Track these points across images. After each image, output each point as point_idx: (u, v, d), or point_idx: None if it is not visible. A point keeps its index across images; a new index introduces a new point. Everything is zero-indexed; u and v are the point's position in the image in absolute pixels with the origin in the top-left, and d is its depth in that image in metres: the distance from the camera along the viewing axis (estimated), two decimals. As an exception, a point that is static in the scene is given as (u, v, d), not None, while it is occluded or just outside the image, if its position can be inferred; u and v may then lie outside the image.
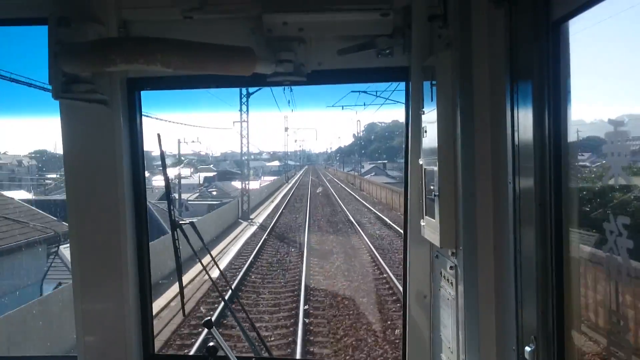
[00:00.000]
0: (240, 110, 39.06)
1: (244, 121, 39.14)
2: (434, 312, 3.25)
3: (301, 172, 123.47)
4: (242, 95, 38.78)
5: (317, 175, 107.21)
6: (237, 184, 70.84)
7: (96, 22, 3.11)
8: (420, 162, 3.16)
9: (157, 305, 16.62)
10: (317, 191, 65.32)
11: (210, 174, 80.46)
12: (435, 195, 2.88)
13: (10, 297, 18.43)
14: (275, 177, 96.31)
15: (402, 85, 3.39)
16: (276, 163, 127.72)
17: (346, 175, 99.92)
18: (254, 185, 71.42)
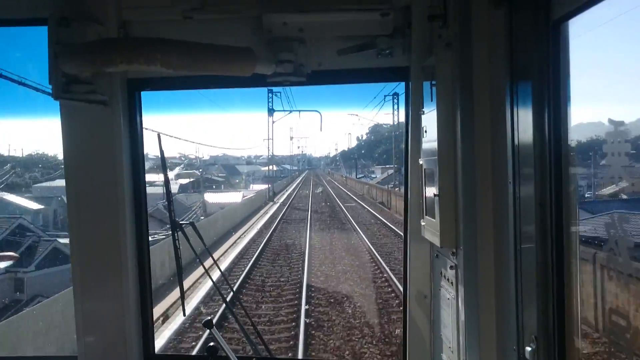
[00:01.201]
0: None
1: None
2: (434, 312, 3.25)
3: (300, 179, 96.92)
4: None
5: (321, 185, 74.26)
6: (210, 196, 52.06)
7: (96, 23, 3.11)
8: (421, 162, 3.16)
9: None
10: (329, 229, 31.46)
11: (186, 181, 65.12)
12: (435, 195, 2.88)
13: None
14: (268, 186, 68.53)
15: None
16: (273, 168, 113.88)
17: (368, 187, 63.63)
18: (222, 198, 51.59)
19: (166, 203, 3.71)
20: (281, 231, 32.02)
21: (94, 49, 2.90)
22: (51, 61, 2.97)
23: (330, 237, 29.44)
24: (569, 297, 2.19)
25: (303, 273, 20.12)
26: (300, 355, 12.80)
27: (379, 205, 46.75)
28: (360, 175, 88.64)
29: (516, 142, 2.39)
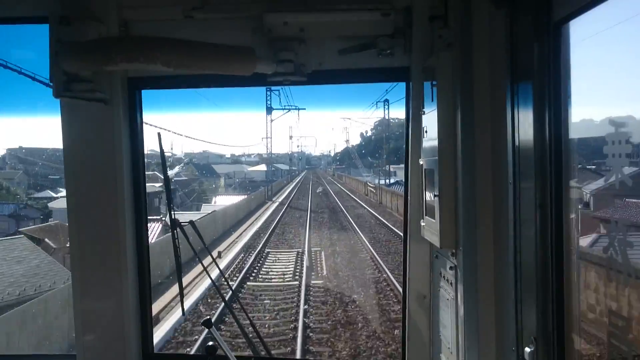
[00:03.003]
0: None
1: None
2: (434, 312, 3.25)
3: (294, 185, 74.78)
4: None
5: (331, 207, 43.66)
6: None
7: (97, 21, 3.11)
8: (421, 163, 3.16)
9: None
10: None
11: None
12: (435, 196, 2.88)
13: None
14: (248, 196, 52.07)
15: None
16: (262, 168, 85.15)
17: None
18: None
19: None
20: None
21: (95, 47, 2.91)
22: (52, 59, 2.97)
23: None
24: (569, 299, 2.19)
25: None
26: (298, 355, 12.80)
27: None
28: (386, 180, 58.99)
29: (517, 143, 2.39)
